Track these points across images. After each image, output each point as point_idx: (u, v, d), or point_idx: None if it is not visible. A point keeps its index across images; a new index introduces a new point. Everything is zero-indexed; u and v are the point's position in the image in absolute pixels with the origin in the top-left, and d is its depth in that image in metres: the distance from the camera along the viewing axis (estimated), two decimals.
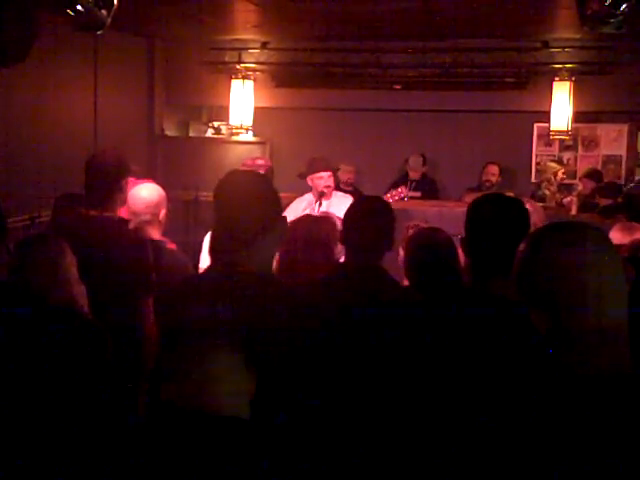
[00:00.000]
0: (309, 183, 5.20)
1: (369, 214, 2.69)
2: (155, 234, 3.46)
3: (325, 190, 5.12)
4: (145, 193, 3.47)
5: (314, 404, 2.00)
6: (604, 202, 6.09)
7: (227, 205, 2.07)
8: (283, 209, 2.16)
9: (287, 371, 1.94)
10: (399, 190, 5.67)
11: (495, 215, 2.21)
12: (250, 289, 2.02)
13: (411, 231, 3.34)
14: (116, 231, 3.14)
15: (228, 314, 1.94)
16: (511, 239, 2.17)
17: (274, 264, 3.12)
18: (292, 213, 5.14)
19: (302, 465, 1.67)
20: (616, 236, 3.44)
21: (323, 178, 5.12)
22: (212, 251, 2.12)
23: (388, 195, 5.55)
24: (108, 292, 2.92)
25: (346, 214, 2.76)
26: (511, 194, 6.60)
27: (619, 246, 3.24)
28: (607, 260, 1.45)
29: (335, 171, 5.38)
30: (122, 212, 3.60)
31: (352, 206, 2.79)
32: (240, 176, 2.22)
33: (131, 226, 3.35)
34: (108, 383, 2.25)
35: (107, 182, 3.15)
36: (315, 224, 3.14)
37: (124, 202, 3.31)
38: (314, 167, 5.17)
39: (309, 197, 5.22)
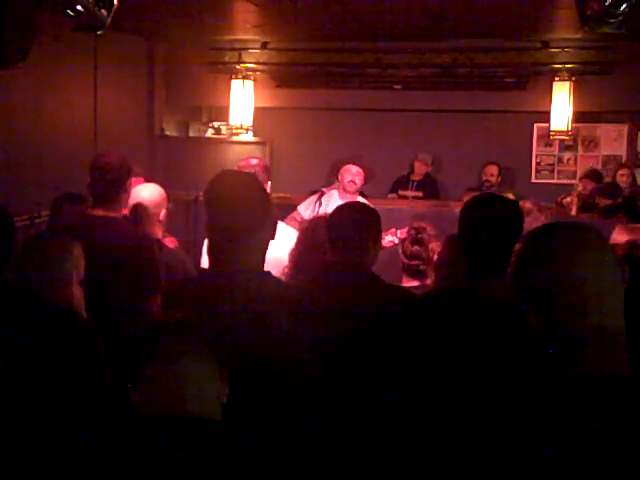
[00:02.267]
0: (338, 177, 5.29)
1: (352, 216, 2.68)
2: (156, 233, 3.48)
3: (348, 186, 5.15)
4: (146, 193, 3.48)
5: (310, 406, 2.01)
6: (603, 202, 6.10)
7: (218, 205, 2.09)
8: (272, 207, 2.19)
9: (278, 373, 1.95)
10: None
11: (488, 216, 2.21)
12: (248, 288, 2.03)
13: (413, 231, 3.34)
14: (123, 231, 3.15)
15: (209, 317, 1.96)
16: (504, 240, 2.18)
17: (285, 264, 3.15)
18: (302, 207, 5.21)
19: (275, 468, 1.67)
20: (618, 237, 3.43)
21: (350, 172, 5.18)
22: (209, 252, 2.15)
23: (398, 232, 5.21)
24: (116, 291, 2.93)
25: (330, 216, 2.76)
26: (510, 194, 6.65)
27: (615, 245, 3.25)
28: (603, 260, 1.45)
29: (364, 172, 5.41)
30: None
31: (336, 210, 2.80)
32: (229, 176, 2.24)
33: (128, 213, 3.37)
34: (101, 385, 2.24)
35: (111, 183, 3.15)
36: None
37: (127, 202, 3.32)
38: (343, 160, 5.25)
39: (314, 198, 5.27)
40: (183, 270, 3.46)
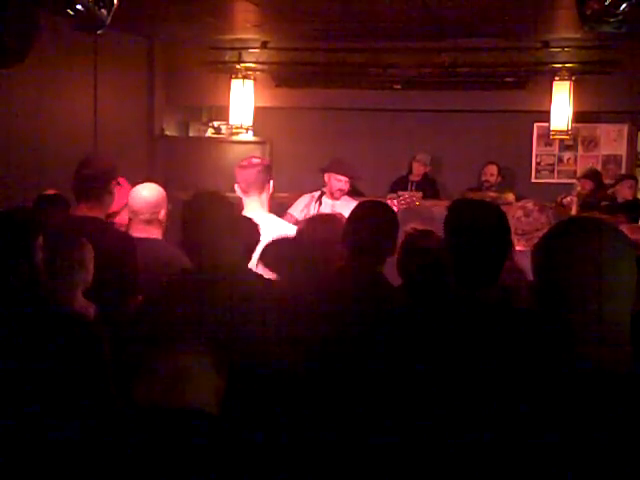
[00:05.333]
0: (325, 179, 5.32)
1: (371, 218, 2.68)
2: (155, 233, 3.47)
3: (336, 193, 5.22)
4: (146, 193, 3.48)
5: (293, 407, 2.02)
6: (589, 186, 6.42)
7: (196, 219, 2.15)
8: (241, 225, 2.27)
9: (261, 372, 1.96)
10: (411, 194, 5.48)
11: (468, 225, 2.13)
12: (221, 290, 2.05)
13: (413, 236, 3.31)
14: (101, 231, 3.15)
15: (200, 314, 1.98)
16: (489, 247, 2.11)
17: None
18: (295, 209, 5.21)
19: (271, 465, 1.69)
20: None
21: (341, 181, 5.25)
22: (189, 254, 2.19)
23: (395, 202, 5.19)
24: (94, 292, 2.92)
25: (349, 217, 2.76)
26: (511, 194, 6.65)
27: None
28: (617, 257, 1.45)
29: (355, 180, 5.48)
30: (123, 213, 3.62)
31: (355, 209, 2.80)
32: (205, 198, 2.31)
33: (126, 221, 3.38)
34: (107, 387, 2.25)
35: (94, 182, 3.20)
36: (331, 223, 3.12)
37: (111, 204, 3.34)
38: (337, 167, 5.29)
39: (314, 195, 5.27)
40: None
